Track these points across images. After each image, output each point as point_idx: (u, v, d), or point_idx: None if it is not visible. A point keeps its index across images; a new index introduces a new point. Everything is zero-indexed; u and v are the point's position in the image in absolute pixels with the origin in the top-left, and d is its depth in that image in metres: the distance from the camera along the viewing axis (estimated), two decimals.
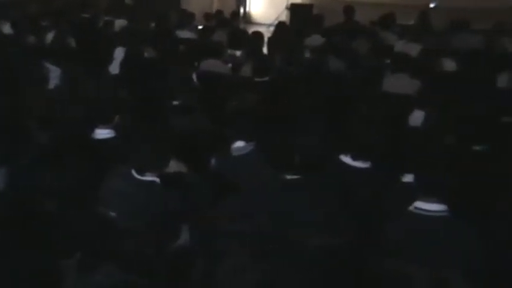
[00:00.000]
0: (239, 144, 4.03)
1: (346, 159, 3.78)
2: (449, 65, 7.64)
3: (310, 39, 8.76)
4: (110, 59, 7.30)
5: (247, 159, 3.93)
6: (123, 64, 6.98)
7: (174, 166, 3.59)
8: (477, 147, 4.26)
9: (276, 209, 3.28)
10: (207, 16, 10.56)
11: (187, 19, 10.11)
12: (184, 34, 9.13)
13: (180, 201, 3.40)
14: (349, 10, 10.07)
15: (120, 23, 9.73)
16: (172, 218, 3.34)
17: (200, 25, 10.37)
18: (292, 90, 5.94)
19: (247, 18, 15.68)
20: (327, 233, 3.21)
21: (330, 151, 3.97)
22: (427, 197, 3.05)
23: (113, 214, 3.35)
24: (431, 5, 11.67)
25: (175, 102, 5.10)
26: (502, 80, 6.78)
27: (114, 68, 7.17)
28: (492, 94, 6.23)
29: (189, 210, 3.42)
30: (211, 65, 7.20)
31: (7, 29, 8.95)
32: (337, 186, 3.55)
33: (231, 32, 9.03)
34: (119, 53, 7.42)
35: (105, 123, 4.18)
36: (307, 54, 7.94)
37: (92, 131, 4.18)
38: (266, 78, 6.27)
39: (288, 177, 3.40)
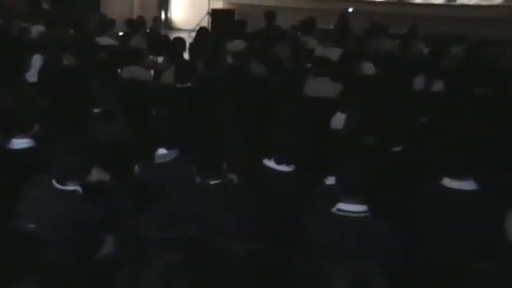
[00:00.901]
0: (163, 151, 4.00)
1: (270, 163, 3.81)
2: (368, 68, 7.84)
3: (232, 44, 8.80)
4: (26, 66, 7.09)
5: (171, 166, 3.90)
6: (42, 72, 6.80)
7: (96, 174, 3.52)
8: (396, 148, 4.37)
9: (201, 214, 3.27)
10: (128, 22, 10.43)
11: (107, 25, 9.95)
12: (105, 41, 8.99)
13: (103, 210, 3.35)
14: (270, 15, 10.18)
15: (37, 30, 9.49)
16: (95, 227, 3.28)
17: (121, 31, 10.23)
18: (215, 96, 5.95)
19: (168, 24, 15.58)
20: (252, 237, 3.23)
21: (253, 156, 4.00)
22: (349, 198, 3.11)
23: (32, 226, 3.26)
24: (350, 10, 11.92)
25: (96, 110, 5.01)
26: (418, 82, 7.00)
27: (32, 76, 6.97)
28: (409, 96, 6.42)
29: (113, 218, 3.37)
30: (132, 71, 7.13)
31: None
32: (261, 190, 3.57)
33: (152, 38, 8.95)
34: (37, 60, 7.23)
35: (23, 132, 4.06)
36: (229, 59, 7.96)
37: (9, 140, 4.05)
38: (188, 84, 6.25)
39: (212, 182, 3.40)
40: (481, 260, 3.16)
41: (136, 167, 4.12)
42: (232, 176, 3.61)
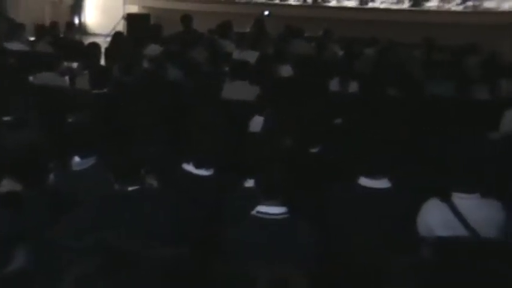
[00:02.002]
0: (78, 159, 3.90)
1: (189, 167, 3.79)
2: (285, 71, 7.93)
3: (148, 48, 8.71)
4: None
5: (88, 174, 3.82)
6: None
7: (7, 185, 3.40)
8: (313, 150, 4.44)
9: (120, 221, 3.21)
10: (38, 27, 10.10)
11: (16, 30, 9.62)
12: (14, 46, 8.70)
13: (15, 222, 3.23)
14: (186, 19, 10.13)
15: None
16: (5, 240, 3.16)
17: (31, 36, 9.93)
18: (132, 101, 5.87)
19: (82, 29, 15.25)
20: (172, 243, 3.20)
21: (172, 160, 3.97)
22: (268, 200, 3.13)
23: None
24: (266, 13, 12.03)
25: (6, 118, 4.84)
26: (334, 84, 7.14)
27: None
28: (325, 98, 6.53)
29: (25, 229, 3.26)
30: (45, 77, 6.93)
31: None
32: (181, 195, 3.55)
33: (65, 44, 8.74)
34: None
35: None
36: (146, 64, 7.87)
37: None
38: (104, 90, 6.14)
39: (131, 188, 3.34)
40: (397, 256, 3.25)
41: (51, 176, 4.01)
42: (152, 181, 3.57)
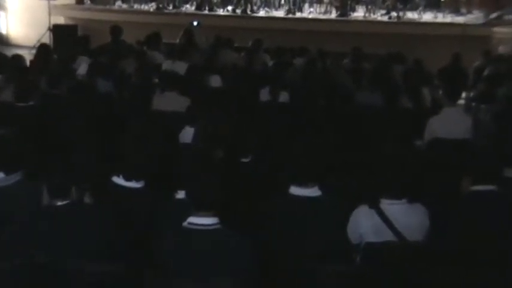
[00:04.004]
0: (3, 174, 3.78)
1: (119, 180, 3.74)
2: (215, 81, 7.95)
3: (76, 61, 8.56)
4: None
5: (13, 190, 3.70)
6: None
7: None
8: (245, 160, 4.47)
9: (49, 238, 3.14)
10: None
11: None
12: None
13: None
14: (115, 30, 10.02)
15: None
16: None
17: None
18: (61, 114, 5.76)
19: (5, 41, 14.85)
20: (104, 258, 3.15)
21: (104, 173, 3.90)
22: (200, 211, 3.13)
23: None
24: (195, 24, 12.03)
25: None
26: (264, 94, 7.20)
27: None
28: (256, 108, 6.60)
29: None
30: None
31: None
32: (111, 208, 3.49)
33: None
34: None
35: None
36: (74, 76, 7.74)
37: None
38: (31, 103, 5.99)
39: (60, 203, 3.28)
40: (329, 263, 3.31)
41: None
42: (82, 196, 3.50)
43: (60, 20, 14.66)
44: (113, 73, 7.51)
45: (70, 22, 14.69)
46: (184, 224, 3.13)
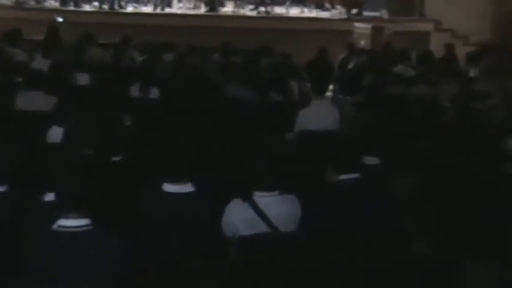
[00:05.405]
0: None
1: None
2: (83, 79, 7.72)
3: None
4: None
5: None
6: None
7: None
8: (115, 158, 4.38)
9: None
10: None
11: None
12: None
13: None
14: None
15: None
16: None
17: None
18: None
19: None
20: None
21: None
22: (70, 213, 3.02)
23: None
24: (59, 20, 11.63)
25: None
26: (134, 91, 7.08)
27: None
28: (126, 104, 6.47)
29: None
30: None
31: None
32: None
33: None
34: None
35: None
36: None
37: None
38: None
39: None
40: (204, 259, 3.32)
41: None
42: None
43: None
44: None
45: None
46: (54, 227, 3.01)
